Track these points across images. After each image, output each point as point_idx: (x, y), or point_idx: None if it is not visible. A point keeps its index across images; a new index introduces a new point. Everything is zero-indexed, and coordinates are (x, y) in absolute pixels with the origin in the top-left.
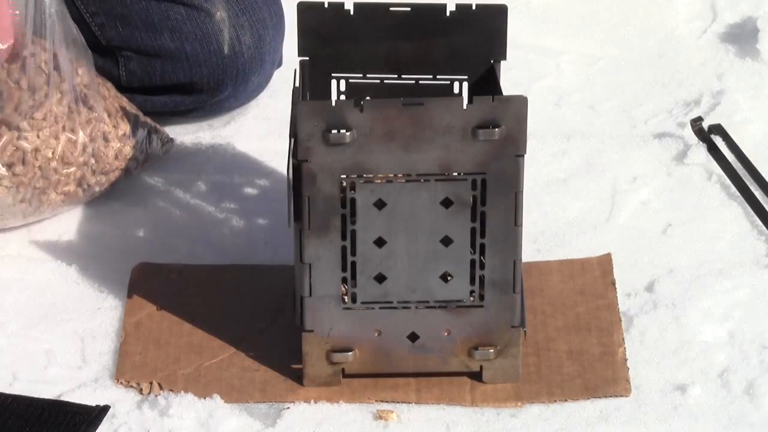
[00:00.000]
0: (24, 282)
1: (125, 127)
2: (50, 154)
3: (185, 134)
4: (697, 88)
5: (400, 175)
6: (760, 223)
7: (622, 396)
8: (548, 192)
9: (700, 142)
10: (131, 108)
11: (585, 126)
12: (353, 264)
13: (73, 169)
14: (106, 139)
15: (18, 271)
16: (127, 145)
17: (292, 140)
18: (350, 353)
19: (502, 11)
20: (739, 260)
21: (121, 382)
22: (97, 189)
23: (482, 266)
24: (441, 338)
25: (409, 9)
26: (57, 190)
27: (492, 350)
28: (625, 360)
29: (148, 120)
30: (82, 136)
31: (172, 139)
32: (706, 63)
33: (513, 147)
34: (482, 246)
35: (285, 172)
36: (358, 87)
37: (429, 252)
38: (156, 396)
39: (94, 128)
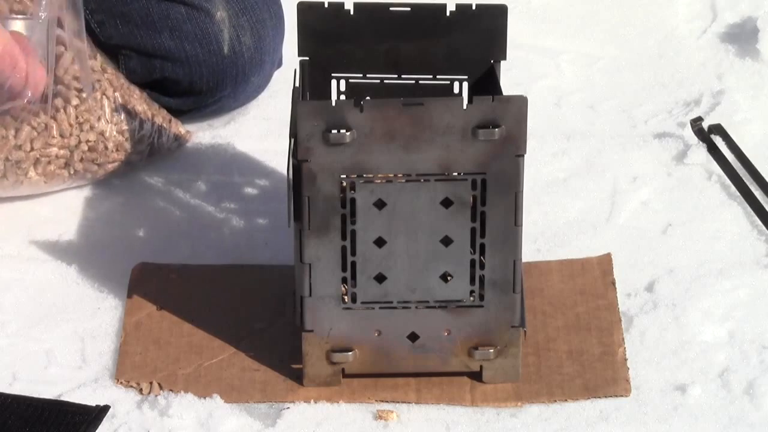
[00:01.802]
0: (24, 282)
1: (130, 121)
2: (33, 134)
3: None
4: (697, 88)
5: (400, 175)
6: (760, 223)
7: (622, 396)
8: (548, 192)
9: (700, 142)
10: (141, 101)
11: (585, 126)
12: (353, 264)
13: (54, 149)
14: (101, 131)
15: (18, 271)
16: (129, 139)
17: (292, 140)
18: (350, 353)
19: (502, 11)
20: (739, 260)
21: (121, 382)
22: (88, 176)
23: (482, 266)
24: (441, 338)
25: (409, 9)
26: (36, 170)
27: (492, 350)
28: (625, 360)
29: (163, 113)
30: (67, 119)
31: (188, 132)
32: (706, 63)
33: (513, 147)
34: (482, 246)
35: (285, 172)
36: (358, 87)
37: (429, 252)
38: (156, 396)
39: (82, 113)
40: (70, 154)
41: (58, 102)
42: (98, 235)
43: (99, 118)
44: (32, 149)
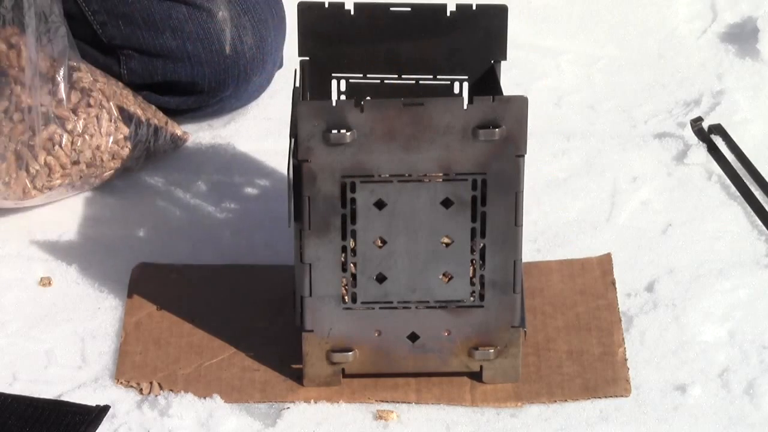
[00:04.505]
0: (24, 282)
1: (126, 129)
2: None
3: None
4: (697, 88)
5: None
6: (760, 223)
7: (622, 396)
8: (548, 192)
9: (700, 142)
10: (136, 106)
11: (585, 126)
12: (353, 264)
13: (57, 182)
14: (97, 146)
15: (18, 271)
16: (125, 147)
17: (293, 140)
18: (350, 353)
19: (502, 11)
20: (739, 260)
21: (121, 382)
22: (86, 187)
23: (482, 266)
24: (441, 338)
25: (409, 9)
26: (36, 199)
27: (492, 350)
28: (625, 360)
29: (159, 115)
30: (65, 152)
31: (186, 133)
32: (706, 63)
33: (513, 147)
34: (482, 246)
35: (285, 172)
36: (358, 87)
37: (429, 252)
38: (156, 396)
39: (78, 136)
40: (70, 178)
41: (55, 135)
42: (98, 235)
43: (93, 135)
44: (35, 188)
